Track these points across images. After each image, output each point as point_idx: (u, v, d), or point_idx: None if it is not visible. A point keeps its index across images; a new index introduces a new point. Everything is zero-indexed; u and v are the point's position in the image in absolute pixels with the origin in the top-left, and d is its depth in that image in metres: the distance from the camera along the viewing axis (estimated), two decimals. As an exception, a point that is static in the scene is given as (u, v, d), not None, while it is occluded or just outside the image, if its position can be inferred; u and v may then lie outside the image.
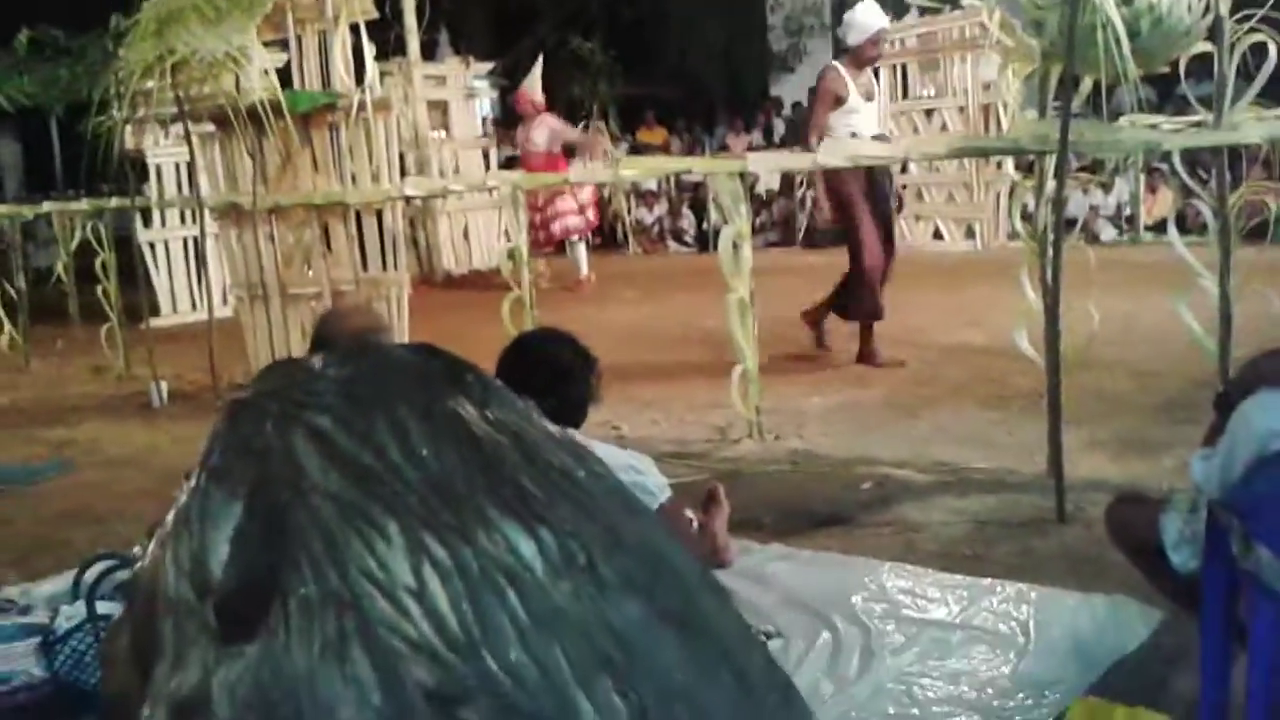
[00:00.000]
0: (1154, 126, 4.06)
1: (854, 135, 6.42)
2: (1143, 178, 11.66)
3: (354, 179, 6.80)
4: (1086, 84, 4.09)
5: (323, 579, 0.72)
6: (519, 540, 0.75)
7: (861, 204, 6.53)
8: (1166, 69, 4.06)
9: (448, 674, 0.71)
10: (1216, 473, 2.15)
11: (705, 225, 13.65)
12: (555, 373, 2.83)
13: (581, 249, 11.20)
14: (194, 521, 0.74)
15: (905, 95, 12.27)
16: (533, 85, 11.39)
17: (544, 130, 11.01)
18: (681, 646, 0.77)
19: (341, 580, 0.72)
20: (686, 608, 0.78)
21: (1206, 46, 3.95)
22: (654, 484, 2.74)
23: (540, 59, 11.89)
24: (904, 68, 12.27)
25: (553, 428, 0.84)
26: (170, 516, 0.71)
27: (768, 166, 5.26)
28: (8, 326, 9.53)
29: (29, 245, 10.80)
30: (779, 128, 16.35)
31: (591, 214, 11.35)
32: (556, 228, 10.93)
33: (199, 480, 0.75)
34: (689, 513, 3.15)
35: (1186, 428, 4.19)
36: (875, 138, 6.62)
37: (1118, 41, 3.60)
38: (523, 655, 0.71)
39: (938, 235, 12.21)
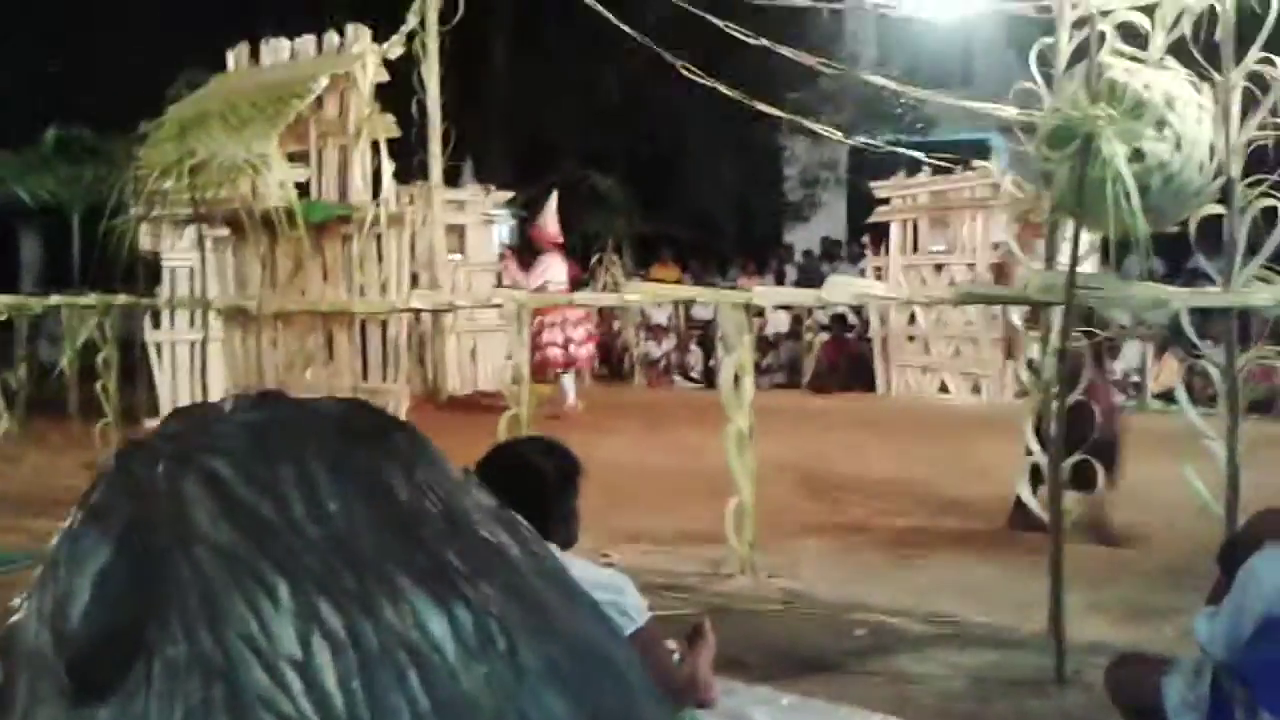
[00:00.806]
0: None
1: None
2: (1150, 346, 11.67)
3: (362, 290, 6.82)
4: (1095, 239, 4.08)
5: (194, 639, 0.62)
6: (429, 615, 0.65)
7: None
8: (1176, 228, 4.06)
9: (323, 762, 0.61)
10: (1222, 632, 2.04)
11: (712, 362, 13.65)
12: (538, 485, 2.67)
13: (568, 380, 11.25)
14: (61, 565, 0.65)
15: (915, 250, 12.40)
16: (549, 220, 11.60)
17: (562, 269, 11.23)
18: (612, 757, 0.67)
19: (216, 643, 0.62)
20: (624, 712, 0.68)
21: (1217, 209, 3.95)
22: (632, 605, 2.58)
23: (554, 194, 12.12)
24: (915, 223, 12.43)
25: (491, 501, 0.75)
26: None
27: (773, 299, 5.25)
28: (5, 417, 9.47)
29: (39, 340, 10.83)
30: (790, 274, 16.50)
31: (583, 350, 11.43)
32: (538, 357, 10.99)
33: (73, 520, 0.65)
34: (671, 644, 3.00)
35: (1191, 595, 4.04)
36: None
37: (1127, 197, 3.59)
38: (418, 749, 0.62)
39: (944, 388, 12.18)
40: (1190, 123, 3.74)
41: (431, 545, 0.70)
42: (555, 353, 10.99)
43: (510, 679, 0.68)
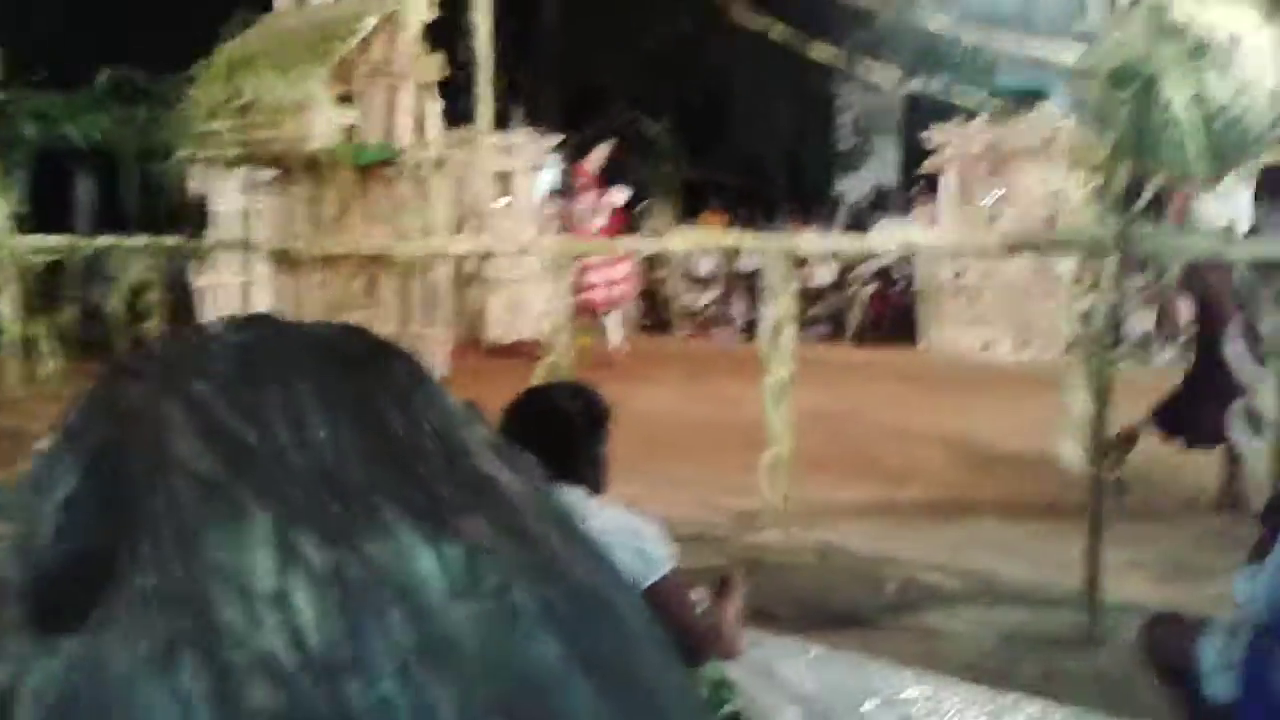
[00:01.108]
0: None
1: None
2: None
3: (406, 234, 6.82)
4: (1153, 184, 3.97)
5: (166, 570, 0.60)
6: (416, 550, 0.62)
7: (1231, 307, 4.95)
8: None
9: (297, 700, 0.58)
10: (1264, 591, 1.98)
11: (755, 314, 13.56)
12: (568, 429, 2.64)
13: (613, 321, 11.14)
14: (30, 489, 0.63)
15: (970, 200, 12.18)
16: (592, 158, 11.50)
17: (606, 208, 11.07)
18: (603, 699, 0.64)
19: (188, 574, 0.60)
20: (619, 656, 0.65)
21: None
22: (655, 553, 2.54)
23: (611, 140, 12.01)
24: (970, 171, 12.20)
25: (494, 436, 0.72)
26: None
27: (818, 247, 5.16)
28: (55, 357, 9.62)
29: (90, 282, 10.96)
30: (840, 223, 16.31)
31: (624, 289, 11.31)
32: (581, 298, 10.91)
33: (51, 442, 0.63)
34: (696, 593, 2.97)
35: (1233, 556, 3.97)
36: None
37: (1188, 140, 3.48)
38: (397, 689, 0.59)
39: (989, 344, 12.01)
40: (1254, 64, 3.61)
41: (424, 479, 0.67)
42: (600, 293, 10.91)
43: (501, 620, 0.65)
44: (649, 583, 2.48)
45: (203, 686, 0.60)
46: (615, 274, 10.94)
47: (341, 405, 0.71)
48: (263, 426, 0.69)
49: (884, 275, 13.40)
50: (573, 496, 2.50)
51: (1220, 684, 2.14)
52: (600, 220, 10.87)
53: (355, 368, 0.74)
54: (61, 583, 0.64)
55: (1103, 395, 3.85)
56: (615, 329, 11.12)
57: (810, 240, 5.09)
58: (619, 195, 11.06)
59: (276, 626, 0.62)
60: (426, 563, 0.68)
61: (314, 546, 0.67)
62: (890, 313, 13.19)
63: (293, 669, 0.61)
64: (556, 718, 0.67)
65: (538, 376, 5.55)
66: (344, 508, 0.68)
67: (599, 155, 11.53)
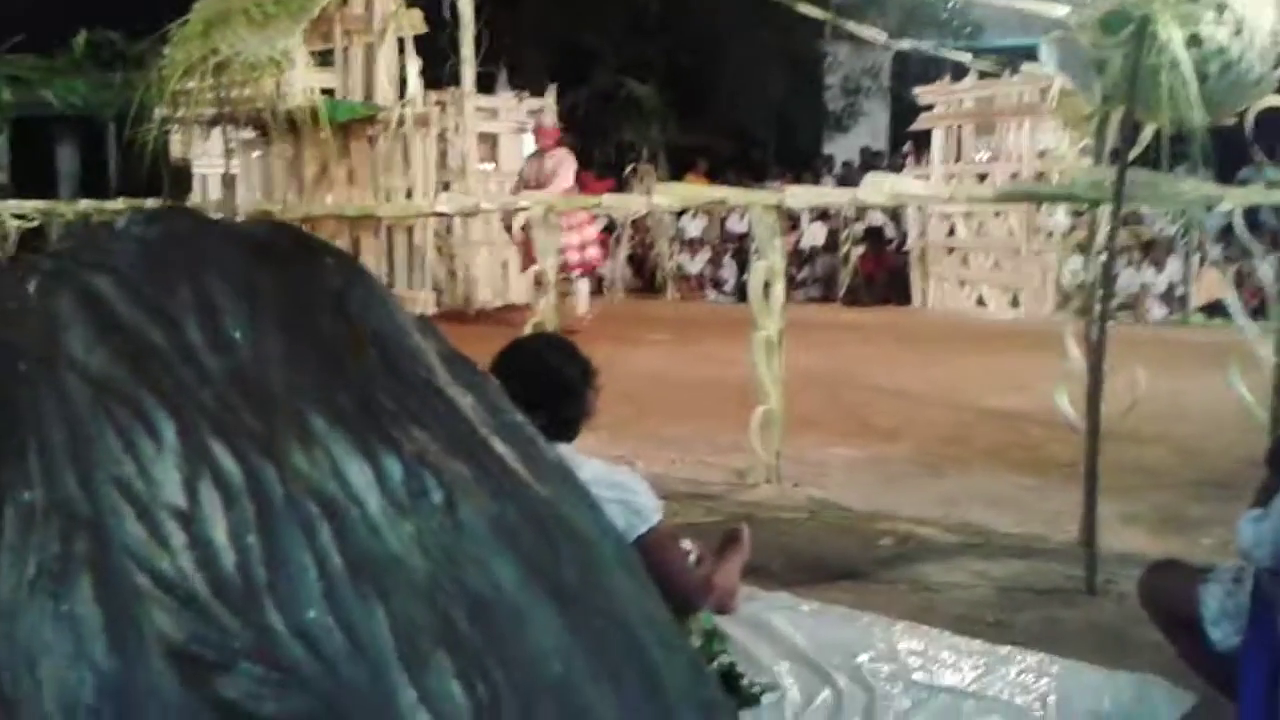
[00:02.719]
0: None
1: None
2: (1196, 257, 11.35)
3: (388, 195, 6.71)
4: (1148, 132, 3.88)
5: (56, 482, 0.53)
6: (348, 462, 0.55)
7: None
8: (1234, 120, 3.85)
9: (206, 629, 0.52)
10: (1270, 536, 1.91)
11: (746, 276, 13.45)
12: (553, 384, 2.59)
13: (582, 286, 11.00)
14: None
15: (959, 158, 12.08)
16: (548, 116, 11.37)
17: (569, 166, 10.87)
18: (567, 629, 0.57)
19: (81, 487, 0.53)
20: (585, 582, 0.58)
21: (1277, 100, 3.74)
22: (644, 504, 2.50)
23: (552, 87, 11.84)
24: (959, 130, 12.10)
25: (445, 345, 0.64)
26: None
27: (806, 200, 5.08)
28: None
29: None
30: (829, 185, 16.19)
31: (594, 252, 11.16)
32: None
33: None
34: (687, 544, 2.91)
35: (1230, 505, 3.91)
36: None
37: (1184, 85, 3.39)
38: (325, 616, 0.52)
39: (981, 302, 11.95)
40: (1251, 6, 3.51)
41: (358, 384, 0.60)
42: (572, 256, 10.76)
43: (447, 538, 0.58)
44: (638, 534, 2.44)
45: (99, 613, 0.52)
46: (586, 237, 10.76)
47: (263, 303, 0.63)
48: (169, 324, 0.61)
49: (876, 236, 13.30)
50: (563, 450, 2.46)
51: (1224, 631, 2.08)
52: (565, 181, 10.66)
53: (280, 264, 0.66)
54: (-69, 496, 0.56)
55: (1098, 351, 3.78)
56: (583, 294, 10.96)
57: (796, 193, 5.00)
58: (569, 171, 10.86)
59: (184, 545, 0.55)
60: (360, 476, 0.60)
61: (228, 456, 0.59)
62: (883, 273, 13.12)
63: (202, 594, 0.54)
64: (514, 648, 0.59)
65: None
66: (263, 414, 0.60)
67: (552, 111, 11.40)
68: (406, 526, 0.54)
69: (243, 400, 0.56)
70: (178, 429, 0.53)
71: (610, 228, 14.76)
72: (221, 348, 0.56)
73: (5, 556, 0.51)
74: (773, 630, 3.18)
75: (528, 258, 10.36)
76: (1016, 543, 4.12)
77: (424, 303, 6.67)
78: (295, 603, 0.51)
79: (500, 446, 0.60)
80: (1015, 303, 11.63)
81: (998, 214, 11.47)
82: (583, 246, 10.71)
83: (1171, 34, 3.35)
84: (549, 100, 11.39)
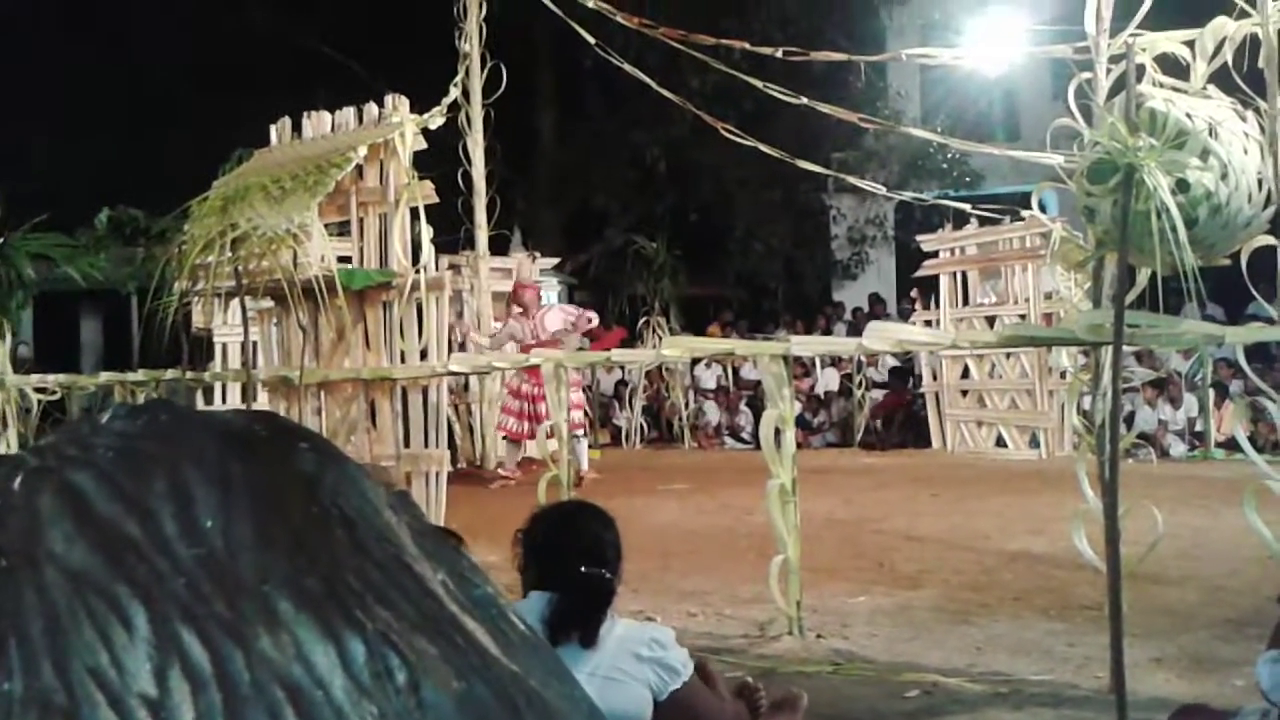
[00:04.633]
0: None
1: None
2: (1211, 392, 11.33)
3: (403, 356, 6.81)
4: (1144, 276, 3.94)
5: (33, 672, 0.54)
6: (313, 645, 0.56)
7: None
8: (1227, 261, 3.91)
9: (173, 817, 0.52)
10: (1289, 677, 1.88)
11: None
12: (604, 549, 2.59)
13: (582, 445, 11.02)
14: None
15: (965, 302, 12.22)
16: (521, 268, 11.68)
17: (556, 315, 11.04)
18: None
19: (58, 677, 0.54)
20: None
21: (1269, 239, 3.80)
22: (677, 659, 2.51)
23: (517, 232, 12.13)
24: (964, 275, 12.27)
25: (421, 522, 0.66)
26: None
27: (811, 349, 5.14)
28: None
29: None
30: (839, 332, 16.35)
31: (577, 414, 11.27)
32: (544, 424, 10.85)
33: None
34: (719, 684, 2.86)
35: (1259, 645, 3.83)
36: None
37: (1174, 229, 3.46)
38: (289, 801, 0.53)
39: (1001, 442, 11.90)
40: (1236, 151, 3.61)
41: (326, 567, 0.61)
42: (575, 414, 10.84)
43: (411, 717, 0.58)
44: (675, 688, 2.44)
45: (69, 802, 0.54)
46: (575, 398, 10.84)
47: (236, 491, 0.65)
48: (145, 516, 0.63)
49: (893, 377, 13.37)
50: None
51: (1253, 777, 2.02)
52: (555, 325, 10.85)
53: (255, 452, 0.68)
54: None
55: (1112, 490, 3.77)
56: (581, 453, 10.98)
57: (804, 342, 5.06)
58: (557, 316, 11.06)
59: (152, 734, 0.56)
60: (324, 658, 0.61)
61: (197, 644, 0.60)
62: (898, 417, 13.12)
63: (169, 781, 0.55)
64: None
65: (540, 490, 5.48)
66: (231, 601, 0.61)
67: (524, 263, 11.73)
68: (370, 707, 0.55)
69: (213, 587, 0.58)
70: (150, 618, 0.55)
71: (623, 381, 14.93)
72: (194, 536, 0.58)
73: (-18, 749, 0.53)
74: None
75: (534, 419, 10.45)
76: (1045, 690, 4.02)
77: (440, 461, 6.69)
78: (261, 788, 0.52)
79: (469, 621, 0.61)
80: (1035, 442, 11.58)
81: (1009, 355, 11.53)
82: (570, 409, 10.76)
83: (1158, 181, 3.43)
84: (517, 255, 11.74)
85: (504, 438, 11.18)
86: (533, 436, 10.69)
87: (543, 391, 10.46)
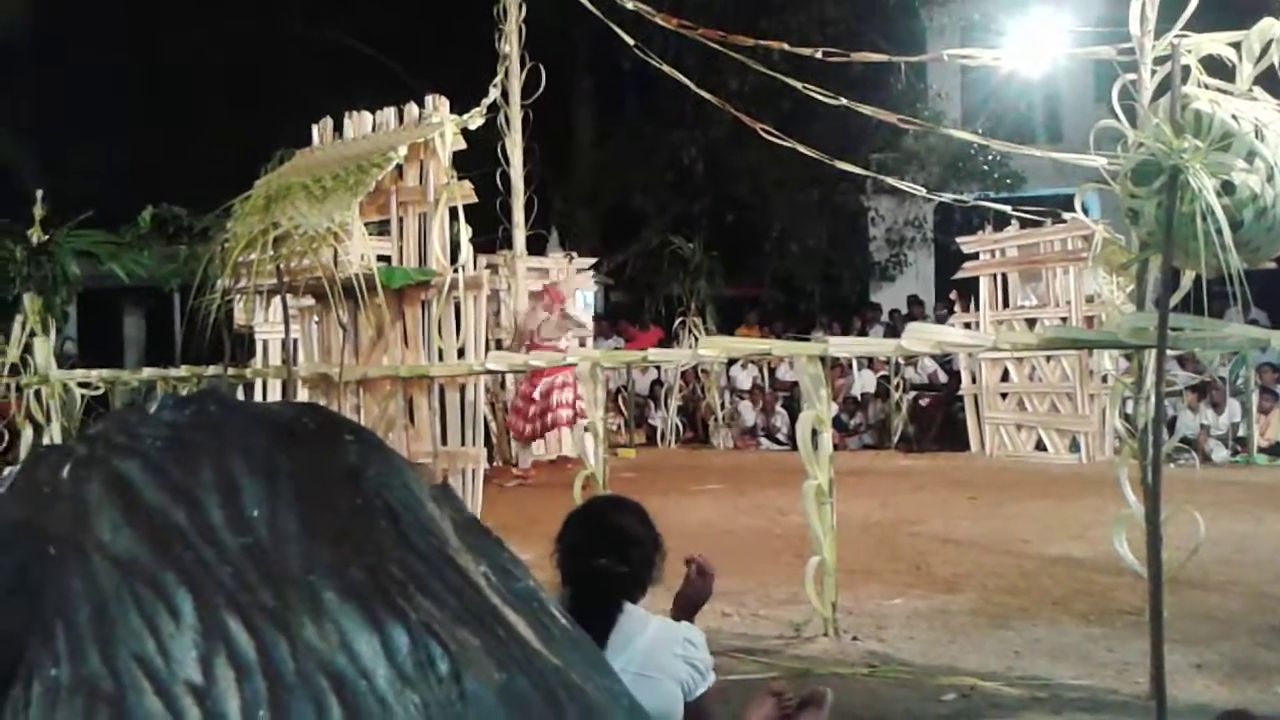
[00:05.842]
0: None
1: None
2: (1255, 397, 11.17)
3: (441, 354, 6.85)
4: (1187, 279, 3.89)
5: (80, 659, 0.55)
6: (358, 635, 0.57)
7: None
8: (1273, 264, 3.85)
9: (218, 802, 0.53)
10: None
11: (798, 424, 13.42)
12: (623, 541, 2.60)
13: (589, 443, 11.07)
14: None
15: (1006, 305, 12.11)
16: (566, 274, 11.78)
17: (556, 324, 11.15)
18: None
19: (105, 664, 0.55)
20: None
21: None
22: (706, 661, 2.52)
23: (554, 232, 12.18)
24: (1004, 277, 12.17)
25: (461, 514, 0.66)
26: None
27: (848, 350, 5.12)
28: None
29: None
30: (877, 334, 16.27)
31: (578, 408, 11.34)
32: (550, 419, 10.87)
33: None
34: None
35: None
36: None
37: (1219, 232, 3.41)
38: (332, 788, 0.53)
39: (1040, 446, 11.79)
40: (1282, 152, 3.56)
41: (370, 557, 0.61)
42: (565, 414, 10.88)
43: (453, 707, 0.58)
44: (703, 690, 2.44)
45: (115, 788, 0.55)
46: (565, 398, 10.88)
47: (282, 482, 0.66)
48: (192, 505, 0.64)
49: (930, 383, 13.28)
50: (636, 611, 2.49)
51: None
52: (565, 337, 10.94)
53: (301, 444, 0.69)
54: (-35, 672, 0.59)
55: (1154, 495, 3.73)
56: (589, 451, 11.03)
57: (842, 343, 5.04)
58: (576, 312, 11.15)
59: None
60: (368, 648, 0.62)
61: (243, 632, 0.61)
62: (936, 419, 13.03)
63: (214, 768, 0.56)
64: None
65: (575, 487, 5.50)
66: (277, 590, 0.62)
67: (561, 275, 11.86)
68: (413, 697, 0.56)
69: (259, 577, 0.58)
70: (196, 606, 0.56)
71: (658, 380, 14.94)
72: (240, 526, 0.59)
73: (31, 732, 0.54)
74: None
75: (539, 416, 10.50)
76: (1084, 695, 3.98)
77: (476, 459, 6.72)
78: (304, 775, 0.53)
79: (511, 614, 0.62)
80: (1075, 446, 11.47)
81: (1049, 358, 11.42)
82: (575, 403, 10.82)
83: (1203, 183, 3.39)
84: (560, 257, 11.83)
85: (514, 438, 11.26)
86: (536, 437, 10.75)
87: (543, 391, 10.52)
